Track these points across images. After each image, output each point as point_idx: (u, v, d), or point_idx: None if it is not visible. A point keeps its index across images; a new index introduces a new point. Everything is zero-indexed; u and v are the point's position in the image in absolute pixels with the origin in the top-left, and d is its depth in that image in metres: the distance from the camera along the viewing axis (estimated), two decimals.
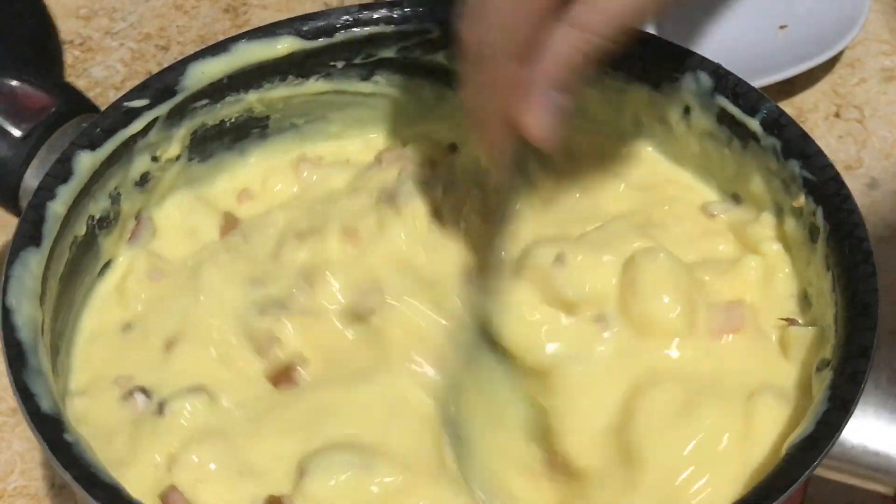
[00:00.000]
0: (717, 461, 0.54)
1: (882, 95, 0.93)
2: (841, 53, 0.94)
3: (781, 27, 0.95)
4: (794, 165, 0.61)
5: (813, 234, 0.60)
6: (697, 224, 0.66)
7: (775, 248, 0.63)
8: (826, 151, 0.61)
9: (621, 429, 0.57)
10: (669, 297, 0.59)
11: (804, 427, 0.51)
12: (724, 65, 0.66)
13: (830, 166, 0.60)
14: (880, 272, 0.56)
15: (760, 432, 0.55)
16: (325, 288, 0.63)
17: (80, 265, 0.63)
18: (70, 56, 0.98)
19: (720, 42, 0.93)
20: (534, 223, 0.65)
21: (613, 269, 0.60)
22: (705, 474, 0.54)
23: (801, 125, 0.63)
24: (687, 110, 0.66)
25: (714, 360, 0.59)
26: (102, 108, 0.66)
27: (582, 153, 0.69)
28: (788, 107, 0.90)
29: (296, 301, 0.63)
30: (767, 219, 0.64)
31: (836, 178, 0.60)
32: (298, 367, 0.62)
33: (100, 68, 0.96)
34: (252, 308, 0.63)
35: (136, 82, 0.66)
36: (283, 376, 0.62)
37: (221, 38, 0.69)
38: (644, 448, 0.55)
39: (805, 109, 0.92)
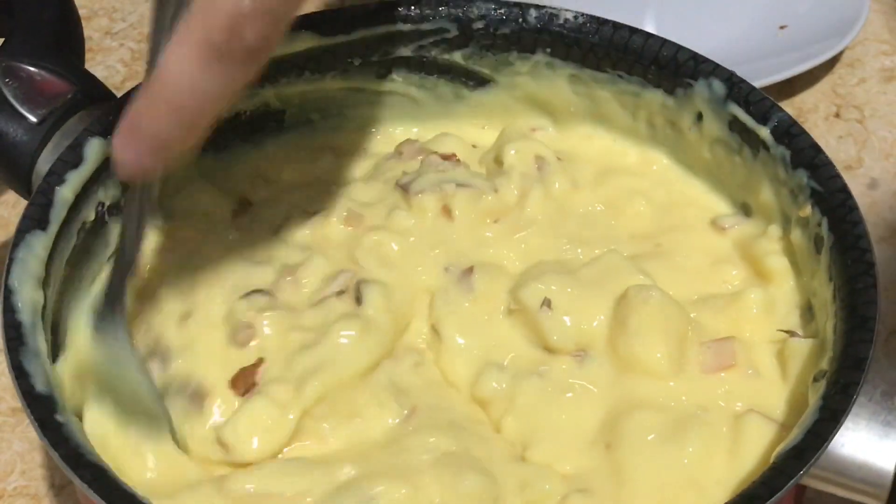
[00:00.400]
0: (704, 481, 0.55)
1: (882, 95, 0.92)
2: (841, 53, 0.94)
3: (781, 27, 0.94)
4: (802, 175, 0.61)
5: (818, 244, 0.60)
6: (707, 251, 0.65)
7: (780, 261, 0.62)
8: (826, 151, 0.61)
9: (611, 446, 0.56)
10: (660, 340, 0.58)
11: (793, 437, 0.51)
12: (723, 65, 0.66)
13: (838, 177, 0.60)
14: (880, 272, 0.55)
15: (747, 452, 0.55)
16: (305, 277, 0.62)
17: (88, 250, 0.63)
18: None
19: (720, 42, 0.92)
20: (547, 233, 0.65)
21: (603, 312, 0.60)
22: (692, 494, 0.54)
23: (801, 125, 0.62)
24: (699, 117, 0.66)
25: (701, 394, 0.58)
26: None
27: (606, 166, 0.70)
28: (788, 107, 0.89)
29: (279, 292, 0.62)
30: (774, 232, 0.63)
31: (843, 190, 0.59)
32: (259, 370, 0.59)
33: (100, 68, 0.96)
34: (236, 294, 0.61)
35: (137, 82, 0.65)
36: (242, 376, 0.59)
37: None
38: (631, 467, 0.55)
39: (805, 109, 0.91)
